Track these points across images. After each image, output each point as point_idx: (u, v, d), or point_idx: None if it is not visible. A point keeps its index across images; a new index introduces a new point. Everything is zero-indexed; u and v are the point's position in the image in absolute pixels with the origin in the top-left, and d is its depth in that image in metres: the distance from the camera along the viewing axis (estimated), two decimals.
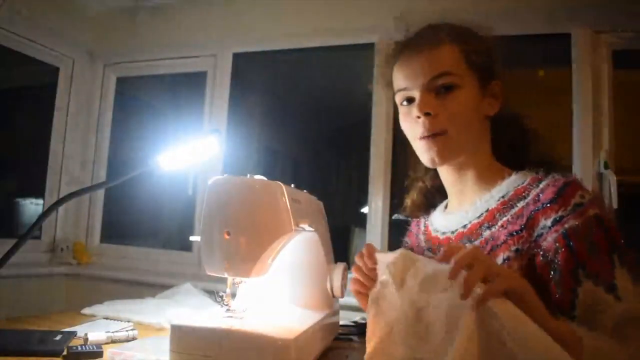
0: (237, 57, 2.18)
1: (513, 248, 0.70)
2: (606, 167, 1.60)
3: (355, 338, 1.09)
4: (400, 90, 0.82)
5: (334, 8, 2.00)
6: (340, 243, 2.26)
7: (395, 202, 1.88)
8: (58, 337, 0.89)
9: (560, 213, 0.68)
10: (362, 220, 2.01)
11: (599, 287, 0.63)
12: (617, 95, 1.67)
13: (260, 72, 2.49)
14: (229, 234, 0.76)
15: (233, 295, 0.83)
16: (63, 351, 0.83)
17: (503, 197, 0.77)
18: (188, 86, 2.40)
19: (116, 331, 0.96)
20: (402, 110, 0.83)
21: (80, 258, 2.19)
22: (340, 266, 0.99)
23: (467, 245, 0.73)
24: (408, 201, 1.00)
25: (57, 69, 2.27)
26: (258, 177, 0.82)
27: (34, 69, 2.26)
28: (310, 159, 3.26)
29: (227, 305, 0.81)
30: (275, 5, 2.09)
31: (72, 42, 2.28)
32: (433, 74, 0.77)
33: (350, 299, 1.70)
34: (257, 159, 2.79)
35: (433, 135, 0.78)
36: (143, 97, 2.66)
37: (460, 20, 0.84)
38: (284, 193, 0.80)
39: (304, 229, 0.87)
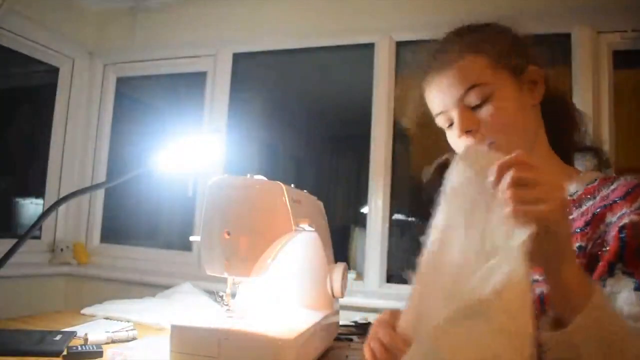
0: (237, 57, 2.18)
1: (576, 244, 0.69)
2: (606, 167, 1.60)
3: (355, 338, 1.09)
4: (437, 114, 0.81)
5: (334, 8, 2.00)
6: (340, 243, 2.26)
7: (395, 202, 1.88)
8: (58, 337, 0.89)
9: (625, 209, 0.66)
10: (362, 220, 2.01)
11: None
12: (617, 95, 1.67)
13: (260, 72, 2.49)
14: (229, 234, 0.76)
15: (233, 295, 0.83)
16: (63, 351, 0.83)
17: (571, 195, 0.76)
18: (188, 86, 2.40)
19: (116, 331, 0.96)
20: (447, 133, 0.82)
21: (80, 258, 2.19)
22: (340, 266, 0.99)
23: None
24: None
25: (57, 69, 2.27)
26: (258, 177, 0.82)
27: (34, 69, 2.26)
28: (310, 159, 3.26)
29: (227, 305, 0.81)
30: (276, 5, 2.09)
31: (72, 42, 2.28)
32: (462, 91, 0.75)
33: (350, 299, 1.70)
34: (258, 159, 2.79)
35: None
36: (143, 97, 2.66)
37: (476, 19, 0.81)
38: (284, 193, 0.80)
39: (304, 229, 0.87)
